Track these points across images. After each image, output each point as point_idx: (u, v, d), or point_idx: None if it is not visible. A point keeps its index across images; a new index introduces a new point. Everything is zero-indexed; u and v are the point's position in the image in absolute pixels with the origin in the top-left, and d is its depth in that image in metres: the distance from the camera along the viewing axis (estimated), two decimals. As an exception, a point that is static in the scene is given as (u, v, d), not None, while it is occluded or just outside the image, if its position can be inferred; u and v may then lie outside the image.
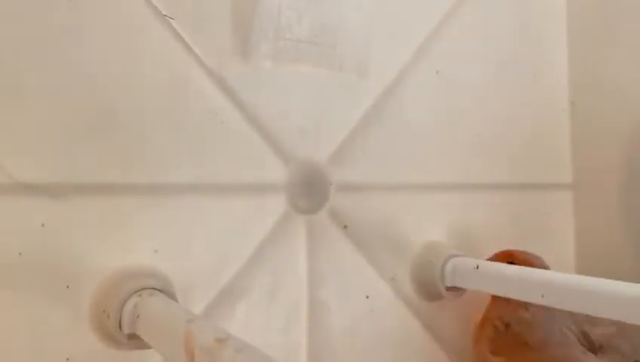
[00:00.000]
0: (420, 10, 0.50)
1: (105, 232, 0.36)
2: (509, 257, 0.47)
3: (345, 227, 0.45)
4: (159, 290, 0.35)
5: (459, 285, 0.47)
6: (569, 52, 0.61)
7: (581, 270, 0.59)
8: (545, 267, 0.47)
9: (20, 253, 0.33)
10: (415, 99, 0.49)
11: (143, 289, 0.34)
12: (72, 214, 0.35)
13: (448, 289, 0.47)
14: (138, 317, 0.33)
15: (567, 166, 0.61)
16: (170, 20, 0.38)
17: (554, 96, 0.60)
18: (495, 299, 0.48)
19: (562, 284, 0.40)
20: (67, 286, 0.34)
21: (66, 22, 0.35)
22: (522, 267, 0.44)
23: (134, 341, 0.33)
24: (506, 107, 0.56)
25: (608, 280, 0.38)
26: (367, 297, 0.46)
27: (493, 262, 0.46)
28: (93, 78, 0.36)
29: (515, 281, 0.43)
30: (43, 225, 0.34)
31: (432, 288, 0.48)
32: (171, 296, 0.35)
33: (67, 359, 0.34)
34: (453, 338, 0.50)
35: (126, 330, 0.33)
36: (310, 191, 0.44)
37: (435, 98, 0.51)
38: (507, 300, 0.45)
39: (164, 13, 0.38)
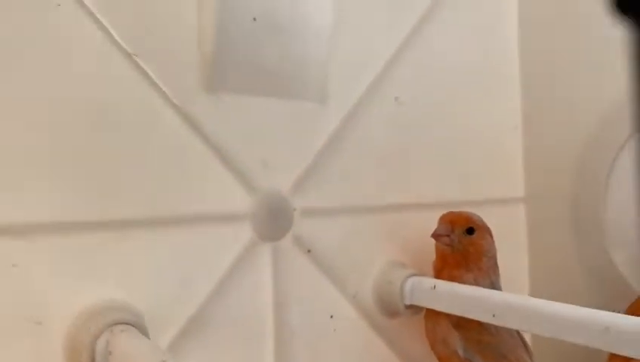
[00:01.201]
0: (378, 39, 0.52)
1: (73, 269, 0.37)
2: (467, 221, 0.49)
3: (308, 251, 0.47)
4: (130, 324, 0.36)
5: (417, 303, 0.49)
6: (521, 74, 0.63)
7: (535, 280, 0.62)
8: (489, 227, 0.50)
9: (-9, 294, 0.34)
10: (374, 125, 0.51)
11: (115, 324, 0.35)
12: (41, 253, 0.36)
13: (407, 307, 0.50)
14: (110, 353, 0.34)
15: (520, 181, 0.64)
16: (135, 58, 0.39)
17: (506, 115, 0.63)
18: None
19: (512, 305, 0.42)
20: (40, 323, 0.35)
21: (33, 57, 0.36)
22: (476, 287, 0.47)
23: (107, 377, 0.35)
24: (460, 128, 0.58)
25: (555, 303, 0.40)
26: (332, 317, 0.48)
27: (448, 283, 0.48)
28: (57, 116, 0.37)
29: (468, 301, 0.45)
30: (14, 266, 0.34)
31: (392, 306, 0.50)
32: (142, 328, 0.36)
33: (40, 395, 0.35)
34: (415, 354, 0.53)
35: (99, 368, 0.34)
36: (275, 218, 0.45)
37: (393, 123, 0.53)
38: None
39: (129, 51, 0.39)
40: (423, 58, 0.55)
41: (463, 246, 0.48)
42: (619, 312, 0.39)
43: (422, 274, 0.50)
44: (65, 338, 0.36)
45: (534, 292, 0.63)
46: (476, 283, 0.48)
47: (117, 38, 0.39)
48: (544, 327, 0.40)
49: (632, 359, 0.44)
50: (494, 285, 0.49)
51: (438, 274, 0.50)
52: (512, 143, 0.64)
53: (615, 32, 0.59)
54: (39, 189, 0.36)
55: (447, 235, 0.49)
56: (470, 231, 0.49)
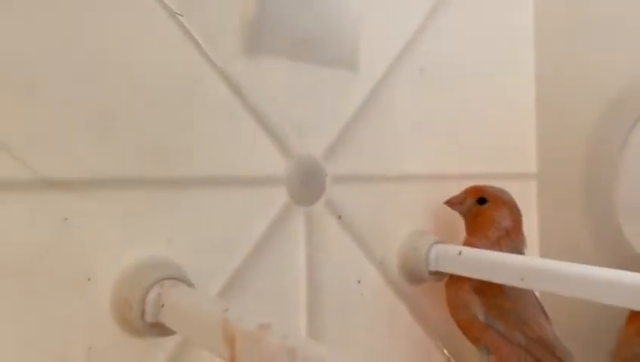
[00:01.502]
0: (405, 11, 0.53)
1: (122, 225, 0.37)
2: (480, 192, 0.51)
3: (339, 217, 0.48)
4: (179, 280, 0.36)
5: (442, 270, 0.51)
6: (536, 53, 0.65)
7: (544, 254, 0.64)
8: (511, 201, 0.52)
9: (43, 247, 0.34)
10: (401, 95, 0.52)
11: (164, 279, 0.36)
12: (92, 208, 0.36)
13: (431, 273, 0.51)
14: (163, 306, 0.34)
15: (532, 157, 0.66)
16: (180, 17, 0.40)
17: (521, 93, 0.65)
18: None
19: (539, 268, 0.44)
20: (89, 279, 0.36)
21: (76, 21, 0.36)
22: (501, 253, 0.48)
23: (157, 329, 0.35)
24: (479, 103, 0.59)
25: (582, 265, 0.42)
26: (359, 282, 0.49)
27: (473, 249, 0.49)
28: (106, 76, 0.37)
29: (494, 266, 0.47)
30: (66, 219, 0.35)
31: (416, 272, 0.51)
32: (189, 284, 0.37)
33: (89, 348, 0.35)
34: (435, 319, 0.54)
35: (149, 319, 0.35)
36: (308, 183, 0.46)
37: (418, 94, 0.54)
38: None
39: (175, 10, 0.39)
40: (445, 31, 0.56)
41: (471, 214, 0.52)
42: None
43: (447, 242, 0.51)
44: (114, 292, 0.36)
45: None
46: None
47: (163, -3, 0.39)
48: (575, 289, 0.41)
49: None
50: None
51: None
52: (525, 120, 0.65)
53: (625, 14, 0.61)
54: (91, 145, 0.36)
55: (459, 203, 0.52)
56: (482, 200, 0.51)
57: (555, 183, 0.64)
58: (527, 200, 0.65)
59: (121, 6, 0.37)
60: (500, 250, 0.50)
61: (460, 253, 0.49)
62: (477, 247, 0.50)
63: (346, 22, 0.48)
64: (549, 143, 0.65)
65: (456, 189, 0.52)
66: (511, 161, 0.64)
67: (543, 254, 0.64)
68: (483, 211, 0.51)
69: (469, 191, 0.52)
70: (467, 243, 0.51)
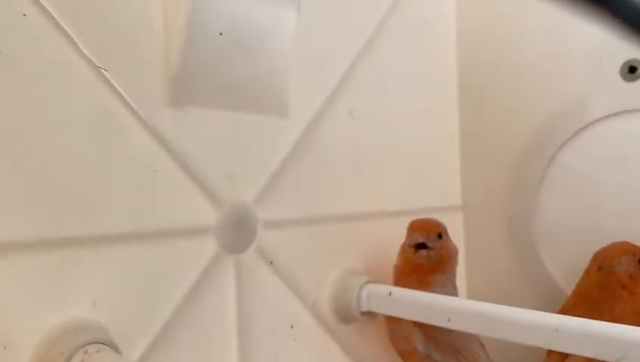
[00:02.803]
0: (333, 55, 0.54)
1: (41, 288, 0.35)
2: (436, 228, 0.51)
3: (271, 263, 0.48)
4: (104, 344, 0.35)
5: (373, 310, 0.51)
6: (459, 91, 0.67)
7: (471, 284, 0.66)
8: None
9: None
10: (330, 138, 0.53)
11: (89, 343, 0.34)
12: (7, 272, 0.34)
13: (363, 313, 0.52)
14: (86, 375, 0.33)
15: (457, 190, 0.68)
16: (104, 71, 0.39)
17: (445, 127, 0.67)
18: None
19: (466, 310, 0.45)
20: (4, 347, 0.34)
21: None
22: (430, 294, 0.49)
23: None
24: (405, 141, 0.61)
25: (506, 307, 0.44)
26: (292, 327, 0.49)
27: (403, 289, 0.50)
28: (21, 134, 0.35)
29: (423, 307, 0.48)
30: (-21, 288, 0.33)
31: (348, 313, 0.52)
32: (114, 347, 0.36)
33: (7, 421, 0.34)
34: (368, 358, 0.55)
35: (72, 389, 0.33)
36: (239, 231, 0.46)
37: (347, 136, 0.55)
38: None
39: (97, 64, 0.38)
40: (372, 74, 0.57)
41: (436, 251, 0.51)
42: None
43: (377, 280, 0.52)
44: (34, 361, 0.34)
45: (471, 296, 0.67)
46: (443, 284, 0.51)
47: (84, 50, 0.38)
48: (497, 331, 0.43)
49: (567, 355, 0.49)
50: (455, 286, 0.52)
51: (403, 278, 0.52)
52: (450, 154, 0.67)
53: (547, 51, 0.64)
54: (3, 205, 0.34)
55: (426, 244, 0.50)
56: (440, 236, 0.51)
57: (479, 215, 0.67)
58: (454, 231, 0.67)
59: (40, 60, 0.36)
60: (455, 281, 0.52)
61: (390, 294, 0.50)
62: (437, 283, 0.50)
63: (275, 68, 0.48)
64: (472, 176, 0.68)
65: (387, 226, 0.54)
66: (438, 195, 0.66)
67: (470, 283, 0.67)
68: (444, 245, 0.51)
69: (427, 228, 0.51)
70: (425, 282, 0.50)
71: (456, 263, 0.53)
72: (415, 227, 0.51)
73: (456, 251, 0.53)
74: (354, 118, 0.55)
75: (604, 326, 0.38)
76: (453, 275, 0.52)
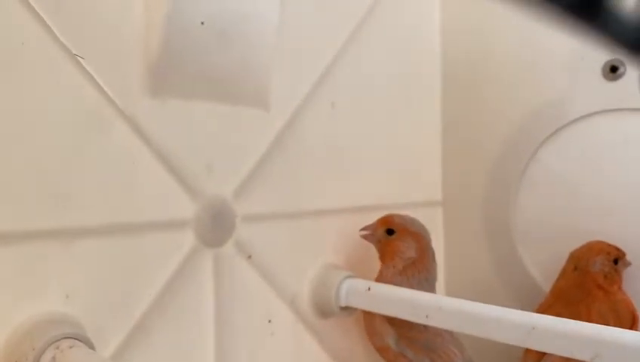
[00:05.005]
0: (316, 47, 0.53)
1: (12, 282, 0.35)
2: (388, 223, 0.53)
3: (249, 257, 0.47)
4: (76, 339, 0.34)
5: (351, 305, 0.51)
6: (442, 85, 0.67)
7: (449, 281, 0.67)
8: (418, 232, 0.53)
9: None
10: (313, 130, 0.52)
11: (61, 338, 0.34)
12: (-22, 265, 0.33)
13: (342, 308, 0.52)
14: (58, 371, 0.32)
15: (438, 185, 0.68)
16: (81, 60, 0.38)
17: (427, 123, 0.67)
18: None
19: (443, 307, 0.45)
20: (-26, 341, 0.33)
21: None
22: (408, 290, 0.49)
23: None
24: (387, 134, 0.61)
25: (484, 305, 0.44)
26: (270, 321, 0.49)
27: (382, 285, 0.50)
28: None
29: (401, 303, 0.48)
30: (-52, 281, 0.32)
31: (327, 308, 0.52)
32: (88, 342, 0.35)
33: (-25, 417, 0.33)
34: (345, 353, 0.54)
35: (43, 385, 0.33)
36: (217, 224, 0.45)
37: (330, 129, 0.54)
38: None
39: (74, 52, 0.37)
40: (355, 66, 0.57)
41: (381, 244, 0.53)
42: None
43: (357, 274, 0.52)
44: (4, 356, 0.33)
45: (449, 292, 0.67)
46: (389, 280, 0.51)
47: (60, 37, 0.37)
48: (474, 328, 0.43)
49: (545, 354, 0.49)
50: (413, 286, 0.52)
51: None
52: (432, 150, 0.67)
53: (527, 51, 0.64)
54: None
55: (371, 234, 0.53)
56: (390, 231, 0.52)
57: (459, 211, 0.67)
58: (434, 226, 0.67)
59: (14, 47, 0.35)
60: (408, 279, 0.51)
61: (368, 289, 0.50)
62: (386, 277, 0.51)
63: (257, 60, 0.47)
64: (453, 171, 0.68)
65: (367, 221, 0.53)
66: (418, 190, 0.66)
67: (448, 279, 0.67)
68: (390, 242, 0.52)
69: (380, 222, 0.53)
70: (379, 272, 0.52)
71: (408, 264, 0.52)
72: (377, 220, 0.53)
73: (405, 252, 0.52)
74: (336, 110, 0.54)
75: (580, 326, 0.38)
76: (404, 276, 0.51)
